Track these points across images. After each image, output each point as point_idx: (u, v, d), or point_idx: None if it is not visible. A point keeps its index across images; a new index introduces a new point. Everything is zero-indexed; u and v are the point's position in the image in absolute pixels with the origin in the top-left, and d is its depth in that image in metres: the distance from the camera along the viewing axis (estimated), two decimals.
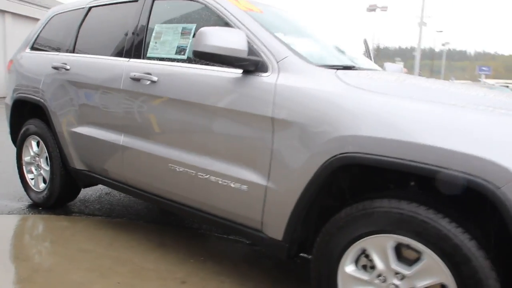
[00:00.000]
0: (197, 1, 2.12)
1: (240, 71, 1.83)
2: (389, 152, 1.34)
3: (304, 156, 1.56)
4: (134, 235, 2.62)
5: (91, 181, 2.75)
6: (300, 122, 1.58)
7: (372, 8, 24.02)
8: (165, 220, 3.03)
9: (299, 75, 1.68)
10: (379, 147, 1.36)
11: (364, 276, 1.50)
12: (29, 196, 3.11)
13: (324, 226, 1.58)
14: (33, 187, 3.08)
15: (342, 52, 2.42)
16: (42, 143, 2.92)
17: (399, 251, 1.43)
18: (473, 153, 1.21)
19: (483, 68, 32.71)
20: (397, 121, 1.36)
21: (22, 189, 3.30)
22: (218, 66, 1.91)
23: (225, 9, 1.99)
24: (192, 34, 2.10)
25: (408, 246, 1.39)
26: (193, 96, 1.94)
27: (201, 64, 2.00)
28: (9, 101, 3.23)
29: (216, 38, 1.68)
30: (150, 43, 2.28)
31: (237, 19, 1.93)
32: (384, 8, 24.38)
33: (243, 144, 1.77)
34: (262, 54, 1.79)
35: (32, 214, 2.92)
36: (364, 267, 1.53)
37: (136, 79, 2.19)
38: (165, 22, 2.30)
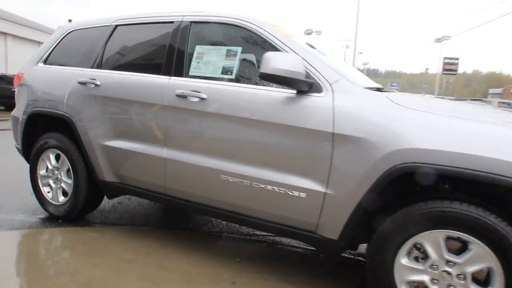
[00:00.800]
0: (240, 26, 2.24)
1: (293, 91, 2.00)
2: (449, 162, 1.59)
3: (365, 166, 1.77)
4: (165, 241, 2.65)
5: (121, 192, 2.74)
6: (362, 137, 1.78)
7: (308, 32, 26.27)
8: (184, 225, 3.08)
9: (352, 96, 1.89)
10: (438, 158, 1.61)
11: (418, 266, 1.73)
12: (46, 209, 2.99)
13: (381, 225, 1.79)
14: (50, 200, 2.97)
15: (360, 74, 2.68)
16: (64, 156, 2.84)
17: (448, 243, 1.68)
18: None
19: (393, 84, 36.18)
20: (454, 136, 1.62)
21: (32, 202, 3.18)
22: (269, 86, 2.07)
23: (271, 34, 2.15)
24: (238, 56, 2.24)
25: (457, 239, 1.65)
26: (247, 113, 2.06)
27: (249, 83, 2.15)
28: (20, 114, 3.08)
29: (281, 62, 1.84)
30: (192, 62, 2.36)
31: (285, 44, 2.09)
32: (318, 32, 26.80)
33: (301, 156, 1.93)
34: (315, 77, 1.97)
35: (55, 227, 2.83)
36: (416, 258, 1.76)
37: (183, 96, 2.27)
38: (204, 43, 2.40)
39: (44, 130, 3.02)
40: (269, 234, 2.93)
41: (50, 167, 2.94)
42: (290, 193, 1.96)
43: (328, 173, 1.86)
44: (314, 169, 1.90)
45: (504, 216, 1.58)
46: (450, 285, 1.66)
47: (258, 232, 2.97)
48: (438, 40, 31.15)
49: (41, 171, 2.98)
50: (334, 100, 1.88)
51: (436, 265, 1.69)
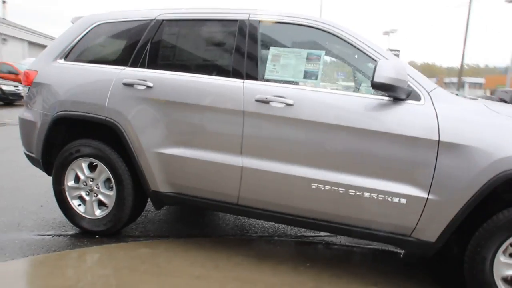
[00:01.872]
0: (323, 30, 2.13)
1: (386, 97, 1.97)
2: None
3: (470, 173, 1.81)
4: (226, 251, 2.50)
5: (174, 203, 2.50)
6: (467, 145, 1.82)
7: None
8: (230, 231, 2.93)
9: (452, 104, 1.91)
10: None
11: None
12: (79, 225, 2.62)
13: (481, 226, 1.86)
14: (83, 214, 2.61)
15: None
16: (103, 165, 2.50)
17: None
18: None
19: (340, 74, 38.17)
20: None
21: (50, 216, 2.82)
22: (360, 92, 2.02)
23: (360, 41, 2.08)
24: (321, 60, 2.13)
25: None
26: (339, 119, 2.00)
27: (336, 89, 2.07)
28: (38, 118, 2.64)
29: (392, 71, 1.80)
30: (268, 65, 2.20)
31: (377, 52, 2.04)
32: None
33: (402, 162, 1.92)
34: (412, 85, 1.96)
35: (97, 244, 2.49)
36: (510, 254, 1.87)
37: (264, 102, 2.11)
38: (275, 45, 2.25)
39: (71, 137, 2.62)
40: (318, 234, 2.91)
41: (82, 177, 2.57)
42: (390, 200, 1.95)
43: (431, 179, 1.88)
44: (416, 175, 1.90)
45: None
46: None
47: (306, 233, 2.93)
48: (386, 33, 33.14)
49: (69, 183, 2.60)
50: (436, 108, 1.89)
51: None
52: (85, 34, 2.66)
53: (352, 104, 2.01)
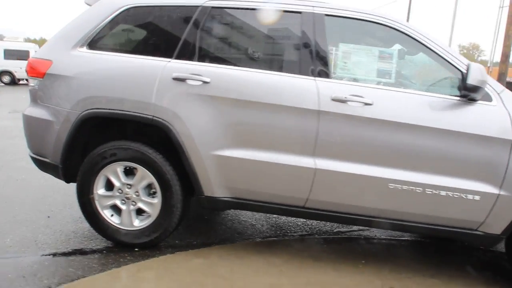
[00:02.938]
0: (394, 28, 2.07)
1: (457, 98, 2.00)
2: None
3: None
4: (281, 254, 2.38)
5: (231, 208, 2.30)
6: None
7: None
8: (269, 232, 2.80)
9: None
10: None
11: None
12: (113, 238, 2.30)
13: None
14: (118, 226, 2.28)
15: None
16: (144, 170, 2.19)
17: None
18: None
19: None
20: None
21: (67, 229, 2.49)
22: (431, 92, 2.02)
23: (432, 41, 2.06)
24: (394, 59, 2.08)
25: None
26: (416, 119, 1.98)
27: (410, 88, 2.05)
28: (56, 116, 2.22)
29: (482, 74, 1.82)
30: (339, 62, 2.09)
31: (449, 53, 2.04)
32: None
33: (476, 161, 1.97)
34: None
35: (143, 258, 2.20)
36: None
37: (341, 101, 2.00)
38: (341, 41, 2.14)
39: (97, 138, 2.25)
40: (352, 229, 2.93)
41: (117, 184, 2.24)
42: (464, 197, 2.00)
43: (504, 176, 1.95)
44: (490, 173, 1.97)
45: None
46: None
47: (341, 229, 2.93)
48: None
49: (100, 191, 2.24)
50: (507, 109, 1.96)
51: None
52: (112, 19, 2.27)
53: (427, 103, 2.00)
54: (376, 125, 2.00)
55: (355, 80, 2.07)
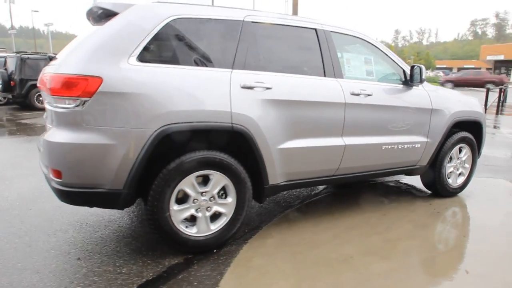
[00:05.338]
0: (366, 40, 2.98)
1: (402, 85, 3.14)
2: None
3: (443, 124, 3.33)
4: (313, 216, 3.00)
5: (284, 189, 2.69)
6: (441, 109, 3.30)
7: None
8: (282, 207, 3.32)
9: (430, 88, 3.31)
10: None
11: None
12: (193, 249, 2.32)
13: None
14: (196, 235, 2.32)
15: None
16: (221, 175, 2.31)
17: None
18: None
19: None
20: None
21: (135, 246, 2.32)
22: (390, 83, 3.10)
23: (385, 49, 3.08)
24: (372, 62, 2.99)
25: None
26: (393, 102, 2.99)
27: (385, 82, 3.04)
28: (118, 138, 1.99)
29: (422, 71, 2.98)
30: (345, 66, 2.81)
31: (392, 55, 3.12)
32: None
33: (416, 123, 3.18)
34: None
35: (235, 255, 2.34)
36: None
37: (356, 94, 2.76)
38: (340, 51, 2.87)
39: (170, 153, 2.21)
40: (320, 191, 3.82)
41: (193, 194, 2.28)
42: (414, 146, 3.22)
43: (428, 130, 3.26)
44: (422, 129, 3.23)
45: None
46: None
47: (316, 191, 3.76)
48: None
49: (174, 207, 2.23)
50: (426, 90, 3.24)
51: None
52: (160, 30, 2.17)
53: (397, 90, 3.03)
54: (374, 108, 2.90)
55: (356, 78, 2.87)
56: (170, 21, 2.21)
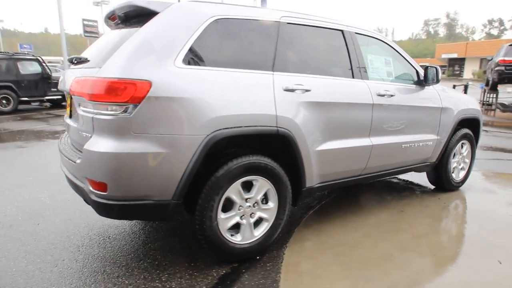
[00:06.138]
0: (383, 41, 3.05)
1: (415, 85, 3.25)
2: None
3: (451, 120, 3.49)
4: (338, 210, 3.03)
5: (317, 191, 2.67)
6: (450, 107, 3.45)
7: None
8: (304, 208, 3.31)
9: (439, 88, 3.45)
10: None
11: None
12: (241, 256, 2.24)
13: None
14: (242, 243, 2.25)
15: None
16: (265, 180, 2.25)
17: None
18: None
19: (25, 46, 32.40)
20: None
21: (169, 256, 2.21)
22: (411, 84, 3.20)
23: (399, 49, 3.17)
24: (391, 64, 3.06)
25: None
26: (411, 102, 3.09)
27: (402, 82, 3.13)
28: (167, 146, 1.88)
29: (437, 72, 3.10)
30: (369, 68, 2.85)
31: (406, 56, 3.22)
32: None
33: (428, 122, 3.30)
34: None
35: (279, 260, 2.29)
36: None
37: (381, 95, 2.81)
38: (364, 52, 2.91)
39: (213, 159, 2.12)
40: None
41: (238, 201, 2.21)
42: (427, 144, 3.34)
43: (438, 128, 3.41)
44: (434, 127, 3.37)
45: None
46: None
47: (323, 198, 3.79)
48: (97, 3, 30.40)
49: (221, 215, 2.14)
50: (436, 90, 3.38)
51: None
52: (203, 31, 2.06)
53: (410, 90, 3.13)
54: (396, 108, 2.97)
55: (378, 79, 2.91)
56: (212, 21, 2.11)
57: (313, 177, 2.53)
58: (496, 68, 10.83)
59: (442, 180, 3.69)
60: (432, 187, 3.91)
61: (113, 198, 1.87)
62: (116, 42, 2.03)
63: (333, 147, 2.58)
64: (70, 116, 2.32)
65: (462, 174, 3.87)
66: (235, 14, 2.22)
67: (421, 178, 4.14)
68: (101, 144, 1.82)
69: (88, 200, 2.01)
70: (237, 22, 2.22)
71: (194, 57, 2.01)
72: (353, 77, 2.73)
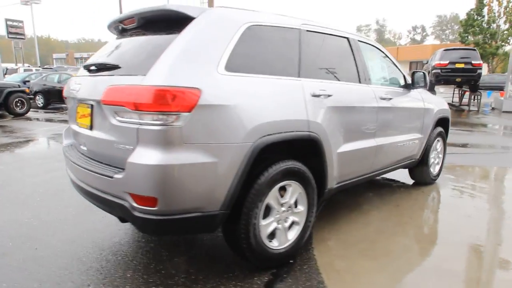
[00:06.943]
0: (378, 48, 3.28)
1: (402, 89, 3.55)
2: None
3: (431, 119, 3.85)
4: (355, 204, 3.18)
5: (334, 192, 2.77)
6: (432, 108, 3.81)
7: None
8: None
9: (421, 91, 3.79)
10: None
11: None
12: (279, 262, 2.25)
13: None
14: (278, 248, 2.26)
15: None
16: (297, 184, 2.30)
17: None
18: None
19: None
20: None
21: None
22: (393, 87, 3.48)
23: (394, 59, 3.44)
24: (385, 69, 3.30)
25: None
26: (404, 104, 3.36)
27: (393, 87, 3.39)
28: (218, 155, 1.84)
29: (425, 77, 3.42)
30: (371, 73, 3.04)
31: (399, 66, 3.50)
32: None
33: (414, 121, 3.62)
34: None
35: (312, 265, 2.34)
36: None
37: (383, 98, 3.02)
38: (366, 59, 3.10)
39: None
40: None
41: (275, 207, 2.23)
42: (415, 142, 3.66)
43: (422, 127, 3.75)
44: (418, 126, 3.70)
45: None
46: None
47: None
48: (26, 3, 27.52)
49: (262, 222, 2.16)
50: (419, 92, 3.72)
51: None
52: (240, 37, 2.05)
53: (401, 94, 3.41)
54: (393, 110, 3.21)
55: (377, 84, 3.13)
56: (246, 28, 2.10)
57: (333, 179, 2.63)
58: (433, 71, 12.10)
59: (423, 175, 4.06)
60: (410, 182, 4.27)
61: (162, 213, 1.77)
62: (141, 48, 1.95)
63: (349, 148, 2.72)
64: (91, 128, 2.13)
65: (437, 168, 4.28)
66: (263, 21, 2.24)
67: (393, 175, 4.48)
68: (150, 157, 1.72)
69: (128, 217, 1.87)
70: (266, 29, 2.24)
71: (233, 64, 1.99)
72: (359, 82, 2.90)
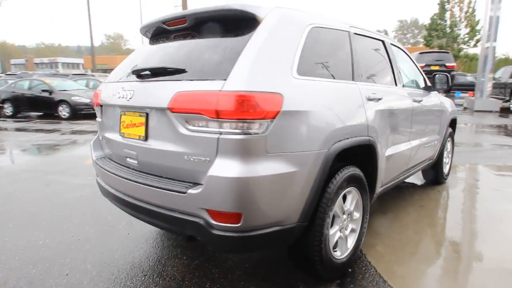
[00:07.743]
0: (404, 51, 3.32)
1: (423, 90, 3.62)
2: None
3: (446, 121, 3.95)
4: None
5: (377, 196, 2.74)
6: (448, 109, 3.91)
7: None
8: None
9: (436, 94, 3.88)
10: None
11: None
12: (341, 272, 2.17)
13: None
14: (341, 257, 2.19)
15: None
16: (356, 189, 2.24)
17: None
18: None
19: None
20: None
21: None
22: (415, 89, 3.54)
23: (416, 62, 3.49)
24: (411, 71, 3.34)
25: None
26: (429, 106, 3.42)
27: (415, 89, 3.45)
28: (297, 164, 1.74)
29: (446, 79, 3.50)
30: (402, 75, 3.06)
31: (420, 68, 3.57)
32: None
33: (436, 123, 3.70)
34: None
35: (370, 272, 2.28)
36: None
37: (416, 101, 3.06)
38: (396, 61, 3.12)
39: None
40: None
41: (340, 215, 2.17)
42: (435, 143, 3.73)
43: (439, 127, 3.85)
44: (437, 128, 3.78)
45: None
46: None
47: None
48: None
49: (330, 232, 2.07)
50: (436, 95, 3.81)
51: None
52: (306, 40, 1.97)
53: (425, 95, 3.45)
54: (423, 112, 3.25)
55: (407, 86, 3.16)
56: (309, 30, 2.02)
57: (380, 182, 2.60)
58: None
59: (438, 174, 4.16)
60: (418, 182, 4.36)
61: (244, 230, 1.63)
62: (209, 51, 1.82)
63: (393, 152, 2.71)
64: (146, 138, 1.94)
65: (447, 167, 4.41)
66: (322, 23, 2.17)
67: None
68: (234, 169, 1.58)
69: (201, 235, 1.71)
70: (324, 32, 2.17)
71: (303, 67, 1.89)
72: (395, 85, 2.90)
